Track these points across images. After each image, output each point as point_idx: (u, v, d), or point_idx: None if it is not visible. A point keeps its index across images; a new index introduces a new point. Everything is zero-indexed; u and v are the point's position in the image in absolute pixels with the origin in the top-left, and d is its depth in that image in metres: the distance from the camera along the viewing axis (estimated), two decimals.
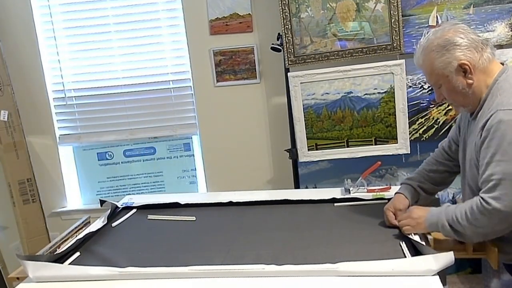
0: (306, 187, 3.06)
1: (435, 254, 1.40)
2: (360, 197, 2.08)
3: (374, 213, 1.90)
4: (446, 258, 1.38)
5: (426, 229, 1.62)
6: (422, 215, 1.63)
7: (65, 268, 1.59)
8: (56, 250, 1.82)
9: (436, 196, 2.78)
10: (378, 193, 2.10)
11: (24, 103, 3.30)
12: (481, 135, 1.51)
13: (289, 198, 2.14)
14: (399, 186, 2.17)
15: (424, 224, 1.61)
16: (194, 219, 2.04)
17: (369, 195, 2.09)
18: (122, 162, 3.47)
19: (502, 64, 1.61)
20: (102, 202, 2.28)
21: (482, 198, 1.46)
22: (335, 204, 2.07)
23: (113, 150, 3.45)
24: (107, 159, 3.46)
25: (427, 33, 1.64)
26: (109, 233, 1.97)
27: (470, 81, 1.55)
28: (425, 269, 1.38)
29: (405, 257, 1.49)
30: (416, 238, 1.61)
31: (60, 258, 1.69)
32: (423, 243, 1.56)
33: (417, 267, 1.40)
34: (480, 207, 1.45)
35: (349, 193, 2.14)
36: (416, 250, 1.51)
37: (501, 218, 1.43)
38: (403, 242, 1.59)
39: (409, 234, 1.63)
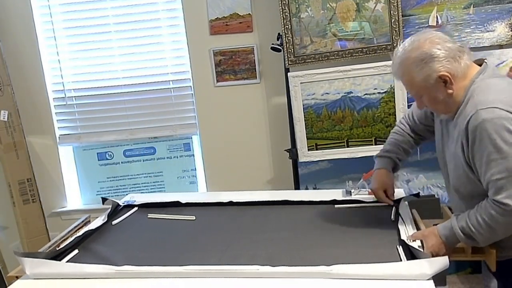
0: (306, 187, 3.05)
1: (429, 259, 1.39)
2: (361, 199, 2.06)
3: (374, 216, 1.89)
4: (441, 262, 1.37)
5: (450, 246, 1.60)
6: (435, 239, 1.59)
7: (62, 266, 1.59)
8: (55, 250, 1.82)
9: (436, 196, 2.79)
10: None
11: (24, 103, 3.30)
12: (467, 138, 1.50)
13: (289, 199, 2.13)
14: (400, 188, 2.16)
15: (444, 244, 1.58)
16: (194, 218, 2.04)
17: (370, 197, 2.07)
18: (122, 162, 3.47)
19: (481, 65, 1.59)
20: (104, 200, 2.27)
21: (495, 201, 1.44)
22: (336, 205, 2.05)
23: (113, 150, 3.46)
24: (107, 159, 3.46)
25: (402, 42, 1.61)
26: (109, 231, 1.96)
27: (450, 91, 1.54)
28: (419, 273, 1.37)
29: (401, 260, 1.48)
30: (415, 244, 1.58)
31: (58, 256, 1.68)
32: (421, 249, 1.54)
33: (412, 271, 1.38)
34: (499, 210, 1.44)
35: (350, 195, 2.12)
36: (412, 254, 1.50)
37: None
38: (400, 246, 1.57)
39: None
